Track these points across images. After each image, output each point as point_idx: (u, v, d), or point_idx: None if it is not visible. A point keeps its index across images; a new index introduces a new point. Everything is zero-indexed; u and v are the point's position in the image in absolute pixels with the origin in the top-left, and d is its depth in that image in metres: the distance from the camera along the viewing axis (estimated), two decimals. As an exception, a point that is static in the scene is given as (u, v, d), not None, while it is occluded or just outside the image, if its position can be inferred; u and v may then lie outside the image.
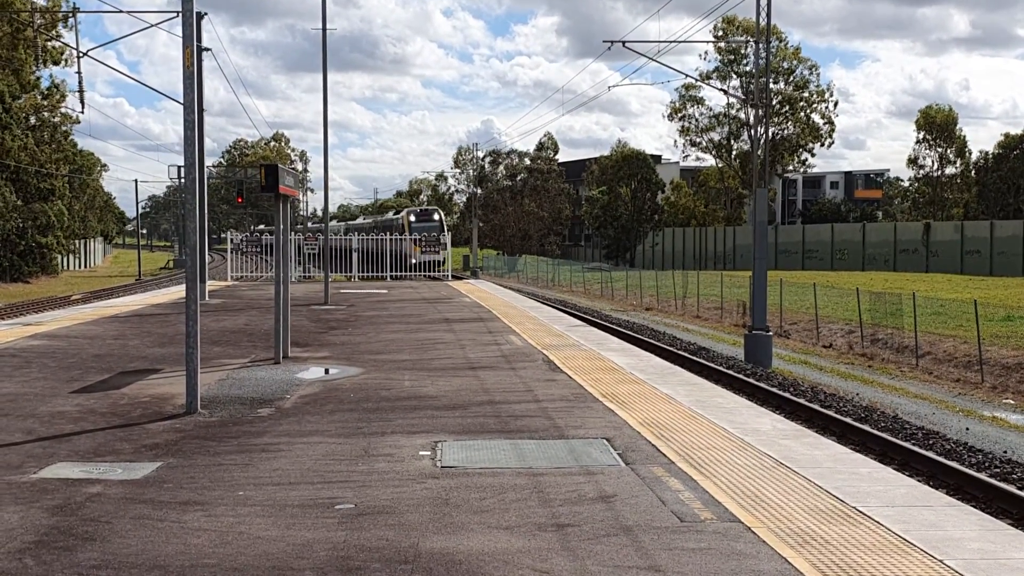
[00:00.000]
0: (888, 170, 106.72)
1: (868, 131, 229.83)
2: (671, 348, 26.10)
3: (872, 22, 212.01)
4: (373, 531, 6.61)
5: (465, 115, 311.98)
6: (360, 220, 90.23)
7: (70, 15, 34.62)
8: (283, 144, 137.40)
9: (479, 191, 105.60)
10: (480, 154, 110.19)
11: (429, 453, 8.91)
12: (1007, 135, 69.04)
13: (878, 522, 6.67)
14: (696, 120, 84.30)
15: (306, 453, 8.98)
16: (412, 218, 63.43)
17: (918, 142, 75.96)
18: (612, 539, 6.40)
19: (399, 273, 46.90)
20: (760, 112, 40.76)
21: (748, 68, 75.73)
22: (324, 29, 27.72)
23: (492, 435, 9.69)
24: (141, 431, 10.05)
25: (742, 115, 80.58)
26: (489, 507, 7.17)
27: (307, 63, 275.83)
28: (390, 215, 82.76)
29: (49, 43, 55.15)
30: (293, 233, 46.50)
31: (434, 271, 53.98)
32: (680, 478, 7.89)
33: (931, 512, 6.93)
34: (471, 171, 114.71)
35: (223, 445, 9.37)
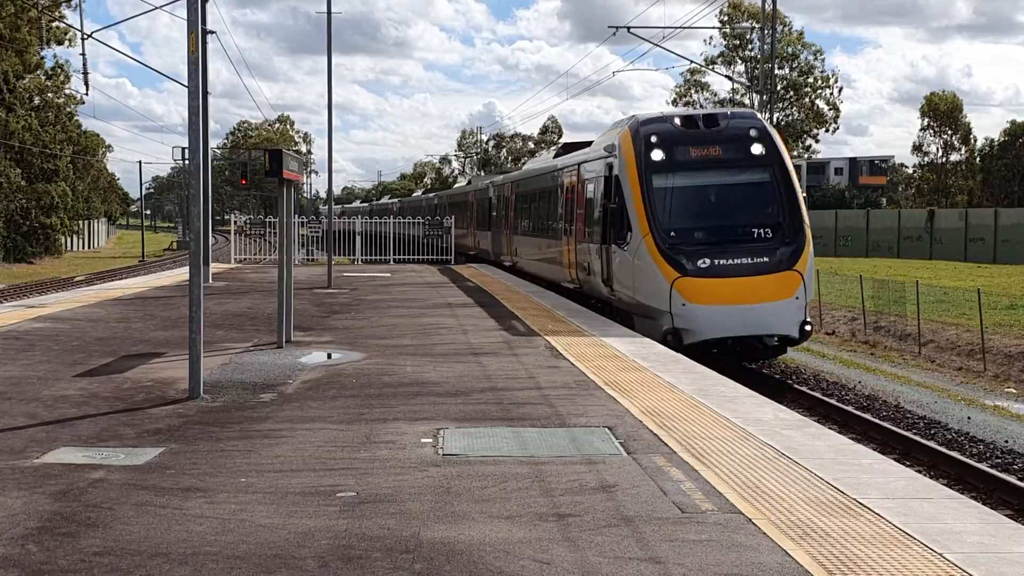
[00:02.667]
0: (892, 157, 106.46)
1: (870, 117, 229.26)
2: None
3: (874, 8, 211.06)
4: (375, 520, 6.63)
5: (467, 98, 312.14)
6: (521, 174, 36.06)
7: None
8: (287, 126, 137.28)
9: (483, 174, 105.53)
10: (484, 137, 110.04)
11: (431, 440, 8.93)
12: (1013, 122, 68.87)
13: (878, 514, 6.68)
14: (701, 106, 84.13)
15: (308, 439, 9.00)
16: (653, 137, 18.32)
17: (923, 129, 75.77)
18: (613, 530, 6.42)
19: (403, 256, 42.59)
20: (765, 97, 40.65)
21: (753, 53, 75.52)
22: (329, 12, 27.65)
23: (494, 422, 9.71)
24: (144, 416, 10.07)
25: (747, 100, 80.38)
26: (491, 496, 7.18)
27: (310, 45, 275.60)
28: (575, 155, 24.13)
29: (53, 23, 55.08)
30: (297, 216, 43.36)
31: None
32: (682, 468, 7.91)
33: (931, 504, 6.94)
34: (475, 154, 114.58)
35: (225, 431, 9.39)
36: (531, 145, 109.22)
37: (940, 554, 5.92)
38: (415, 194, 77.59)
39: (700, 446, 8.63)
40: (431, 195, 63.80)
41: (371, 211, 75.12)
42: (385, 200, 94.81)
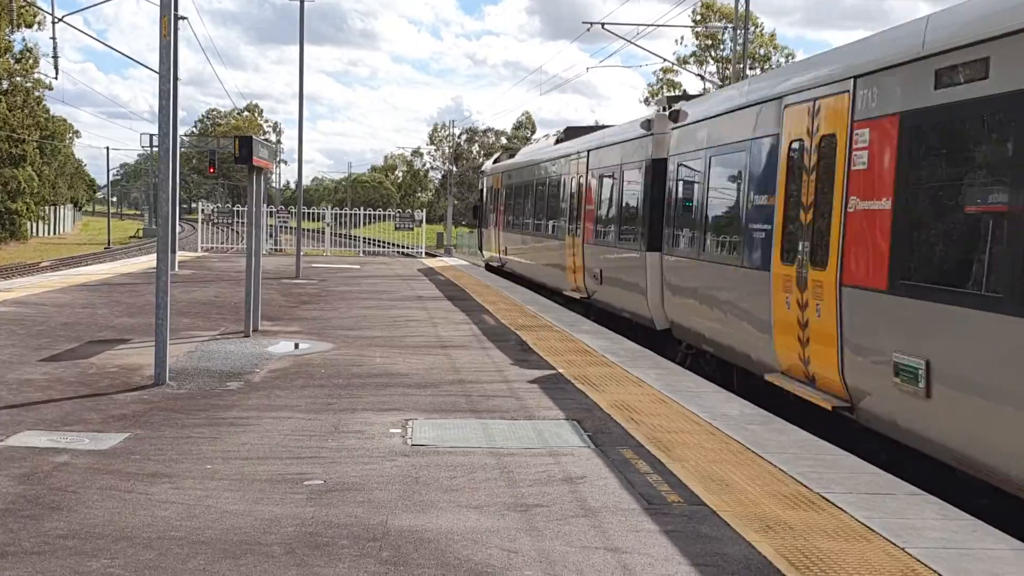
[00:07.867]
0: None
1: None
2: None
3: (840, 13, 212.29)
4: (342, 508, 6.62)
5: (436, 91, 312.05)
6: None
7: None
8: (256, 115, 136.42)
9: (455, 168, 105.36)
10: (456, 131, 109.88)
11: (399, 431, 8.92)
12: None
13: (842, 509, 6.75)
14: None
15: (275, 428, 8.96)
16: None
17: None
18: (579, 520, 6.44)
19: (373, 248, 45.07)
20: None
21: (725, 53, 75.85)
22: (302, 3, 27.50)
23: (462, 414, 9.71)
24: (109, 401, 9.99)
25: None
26: (458, 486, 7.19)
27: (277, 34, 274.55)
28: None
29: (22, 7, 54.42)
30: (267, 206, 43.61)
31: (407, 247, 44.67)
32: (649, 461, 7.95)
33: (894, 500, 7.02)
34: (447, 148, 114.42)
35: (191, 418, 9.34)
36: (503, 140, 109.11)
37: (902, 548, 5.99)
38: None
39: (667, 439, 8.68)
40: None
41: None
42: None
